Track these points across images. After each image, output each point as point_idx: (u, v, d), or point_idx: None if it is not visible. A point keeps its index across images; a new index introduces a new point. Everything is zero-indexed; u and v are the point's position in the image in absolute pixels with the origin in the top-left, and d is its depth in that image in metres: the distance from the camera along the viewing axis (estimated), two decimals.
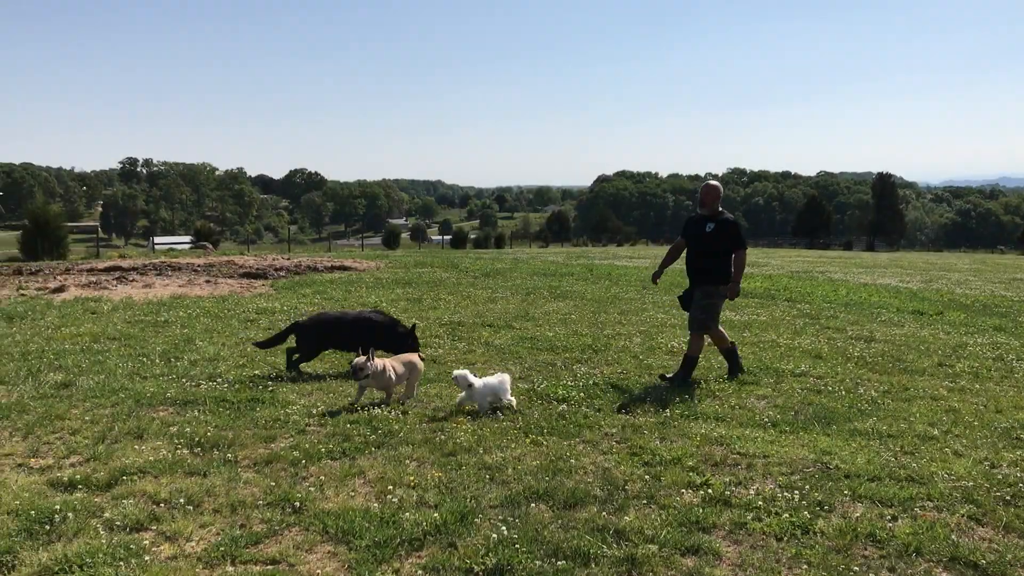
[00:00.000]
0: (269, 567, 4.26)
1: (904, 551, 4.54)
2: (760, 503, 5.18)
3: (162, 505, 5.00)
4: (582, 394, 8.01)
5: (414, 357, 7.97)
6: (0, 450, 6.06)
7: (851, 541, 4.65)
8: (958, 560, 4.45)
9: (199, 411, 7.17)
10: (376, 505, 5.05)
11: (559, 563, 4.30)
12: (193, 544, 4.52)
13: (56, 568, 4.14)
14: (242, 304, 14.51)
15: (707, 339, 9.13)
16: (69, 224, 41.58)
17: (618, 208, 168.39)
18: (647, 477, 5.66)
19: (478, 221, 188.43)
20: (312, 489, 5.32)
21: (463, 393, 7.32)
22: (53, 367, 8.83)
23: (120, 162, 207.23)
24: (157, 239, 69.16)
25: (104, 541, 4.47)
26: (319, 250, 50.08)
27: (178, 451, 6.03)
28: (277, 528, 4.72)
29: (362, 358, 7.38)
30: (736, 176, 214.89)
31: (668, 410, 7.48)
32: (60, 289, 16.31)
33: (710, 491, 5.37)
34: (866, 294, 19.09)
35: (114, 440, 6.30)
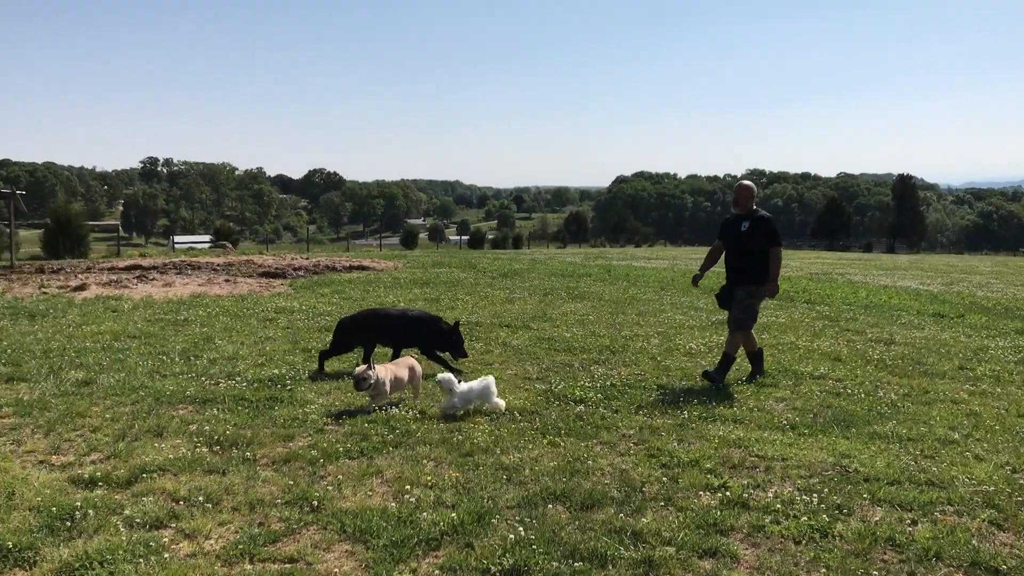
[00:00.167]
0: (287, 565, 4.28)
1: (924, 556, 4.51)
2: (778, 506, 5.15)
3: (181, 503, 5.04)
4: (600, 395, 8.00)
5: (411, 360, 7.90)
6: (22, 447, 6.13)
7: (870, 545, 4.62)
8: (979, 565, 4.41)
9: (218, 409, 7.22)
10: (394, 505, 5.06)
11: (576, 564, 4.30)
12: (212, 542, 4.54)
13: (77, 564, 4.18)
14: (261, 303, 14.59)
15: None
16: (90, 223, 41.91)
17: (636, 209, 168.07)
18: (665, 479, 5.64)
19: (496, 221, 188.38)
20: (330, 488, 5.34)
21: (446, 397, 7.22)
22: (74, 365, 8.91)
23: (141, 161, 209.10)
24: (177, 238, 69.61)
25: (124, 538, 4.50)
26: (338, 250, 50.27)
27: (197, 449, 6.07)
28: (295, 527, 4.75)
29: (362, 367, 7.29)
30: (755, 177, 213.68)
31: (686, 412, 7.45)
32: (81, 287, 16.47)
33: (728, 493, 5.35)
34: (886, 296, 18.97)
35: (134, 438, 6.36)
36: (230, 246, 44.23)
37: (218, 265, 23.01)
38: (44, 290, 16.12)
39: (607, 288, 19.13)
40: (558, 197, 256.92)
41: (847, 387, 8.73)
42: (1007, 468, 6.05)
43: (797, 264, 32.99)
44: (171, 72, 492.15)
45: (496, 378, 8.72)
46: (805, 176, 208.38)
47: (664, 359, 10.08)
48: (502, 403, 7.37)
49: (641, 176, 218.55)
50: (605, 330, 12.31)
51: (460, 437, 6.47)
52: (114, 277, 18.72)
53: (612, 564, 4.33)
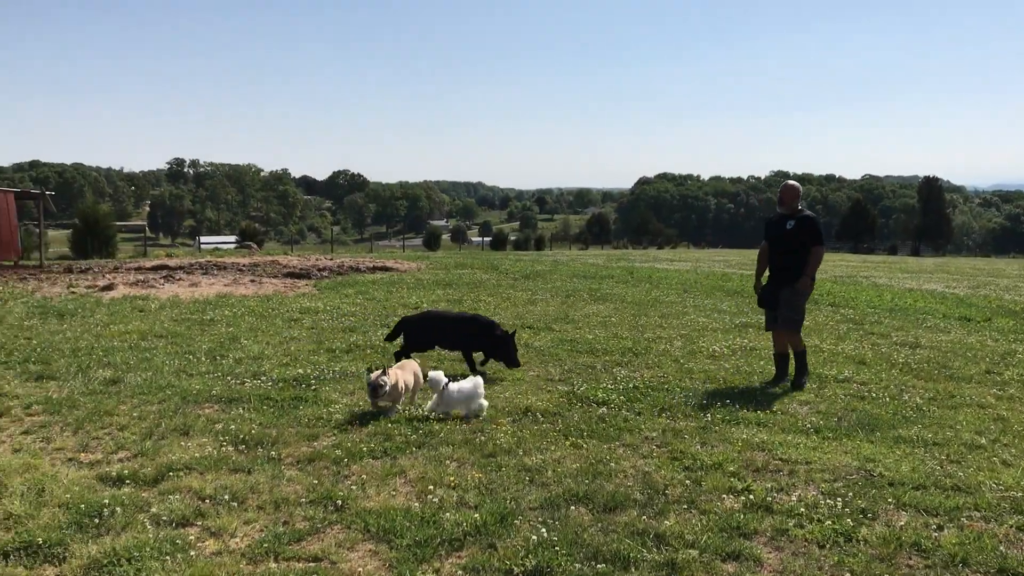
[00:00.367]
0: (311, 564, 4.31)
1: (950, 561, 4.47)
2: (802, 510, 5.13)
3: (207, 501, 5.09)
4: (622, 397, 7.99)
5: (415, 364, 7.84)
6: (51, 444, 6.22)
7: (895, 550, 4.59)
8: (1006, 572, 4.37)
9: (244, 409, 7.28)
10: (417, 505, 5.09)
11: (599, 566, 4.30)
12: (237, 540, 4.59)
13: (105, 561, 4.24)
14: (286, 303, 14.69)
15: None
16: (118, 223, 42.35)
17: (659, 210, 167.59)
18: (688, 482, 5.63)
19: (518, 223, 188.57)
20: (354, 488, 5.37)
21: (435, 396, 7.18)
22: (102, 364, 9.02)
23: (168, 163, 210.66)
24: (203, 239, 70.18)
25: (151, 535, 4.56)
26: (361, 251, 50.54)
27: (223, 448, 6.13)
28: (319, 526, 4.78)
29: (376, 373, 7.09)
30: (779, 179, 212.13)
31: (709, 415, 7.43)
32: (109, 287, 16.66)
33: (751, 497, 5.33)
34: (911, 299, 18.79)
35: (161, 436, 6.43)
36: (255, 247, 44.58)
37: (244, 265, 23.21)
38: (72, 290, 16.32)
39: (629, 290, 19.09)
40: (580, 198, 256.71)
41: (872, 391, 8.66)
42: None
43: (821, 267, 32.72)
44: (198, 74, 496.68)
45: (519, 379, 8.77)
46: (830, 178, 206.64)
47: (687, 361, 10.05)
48: (485, 404, 7.27)
49: (664, 177, 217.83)
50: (628, 332, 12.29)
51: (483, 438, 6.49)
52: (141, 277, 18.92)
53: (635, 566, 4.33)
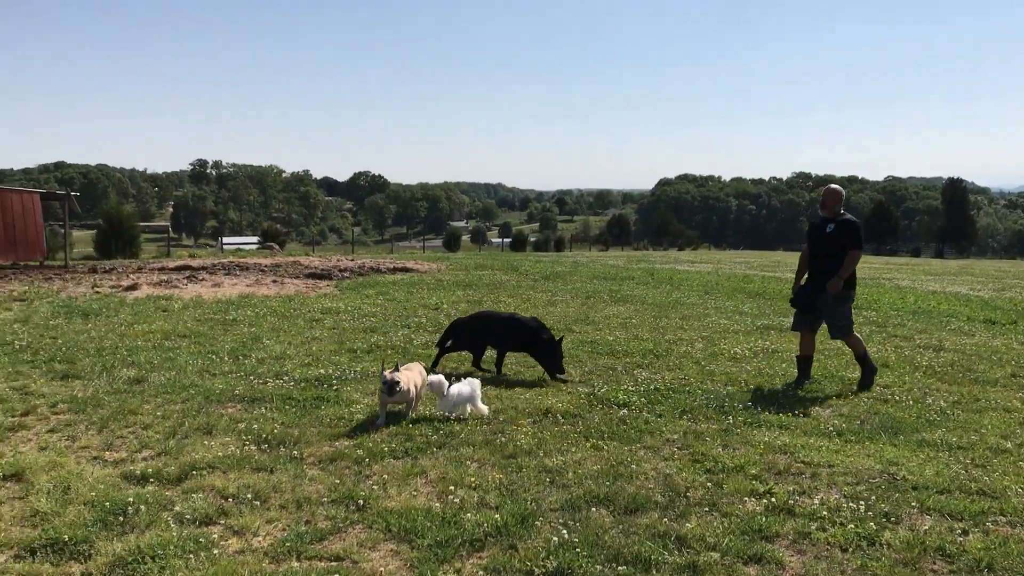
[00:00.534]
0: (333, 563, 4.33)
1: (975, 567, 4.43)
2: (824, 513, 5.10)
3: (230, 500, 5.13)
4: (643, 399, 7.97)
5: (420, 366, 7.73)
6: (77, 443, 6.28)
7: (919, 554, 4.55)
8: None
9: (266, 408, 7.33)
10: (438, 505, 5.10)
11: (620, 568, 4.30)
12: (260, 539, 4.62)
13: (130, 558, 4.28)
14: (307, 304, 14.77)
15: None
16: (141, 224, 42.75)
17: (680, 212, 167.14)
18: (709, 484, 5.61)
19: (538, 224, 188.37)
20: (375, 487, 5.40)
21: (440, 399, 7.15)
22: (126, 363, 9.11)
23: (190, 164, 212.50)
24: (225, 239, 70.77)
25: (175, 533, 4.60)
26: (382, 252, 50.70)
27: (246, 447, 6.17)
28: (341, 525, 4.81)
29: (393, 372, 6.94)
30: (801, 180, 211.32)
31: (731, 417, 7.40)
32: (133, 287, 16.81)
33: (773, 500, 5.30)
34: (935, 302, 18.61)
35: (184, 435, 6.48)
36: (277, 247, 44.83)
37: (266, 266, 23.35)
38: (97, 289, 16.49)
39: (650, 292, 19.04)
40: (600, 200, 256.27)
41: (895, 394, 8.60)
42: None
43: None
44: (222, 76, 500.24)
45: (539, 381, 8.77)
46: (852, 179, 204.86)
47: (708, 364, 10.01)
48: (485, 409, 7.25)
49: (685, 179, 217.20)
50: (648, 334, 12.26)
51: (503, 439, 6.50)
52: (164, 277, 19.08)
53: (656, 568, 4.32)
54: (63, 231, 28.22)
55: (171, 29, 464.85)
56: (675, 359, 10.26)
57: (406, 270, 23.23)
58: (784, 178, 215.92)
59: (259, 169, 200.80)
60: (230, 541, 4.58)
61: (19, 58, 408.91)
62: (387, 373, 6.92)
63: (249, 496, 5.17)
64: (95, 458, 5.95)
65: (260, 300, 15.23)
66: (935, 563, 4.49)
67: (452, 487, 5.40)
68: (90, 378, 8.37)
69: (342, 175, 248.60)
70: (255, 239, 70.13)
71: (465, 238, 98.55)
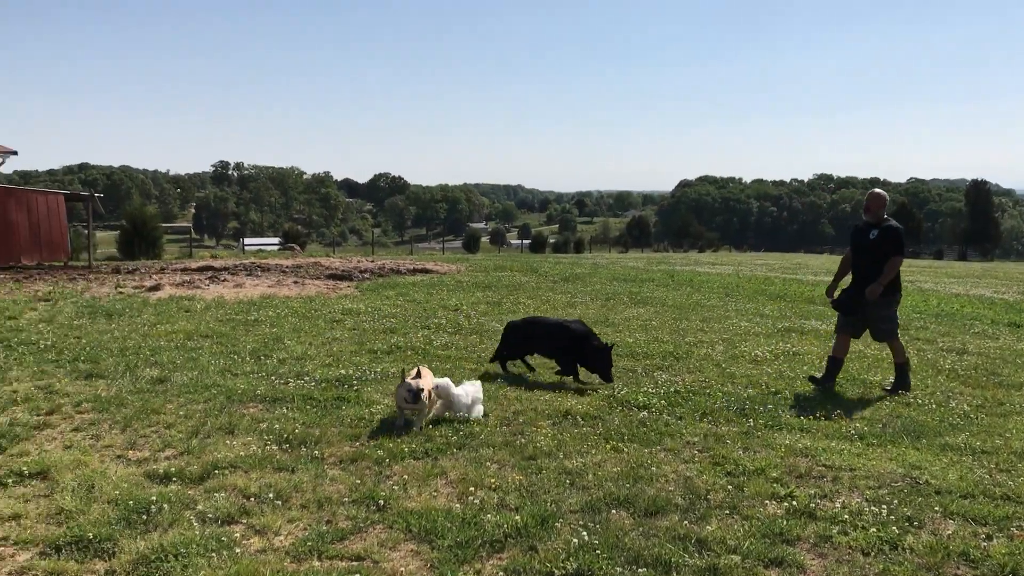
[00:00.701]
0: (354, 563, 4.36)
1: (1000, 572, 4.39)
2: (846, 516, 5.07)
3: (252, 499, 5.17)
4: (663, 402, 7.95)
5: (430, 373, 7.41)
6: (100, 442, 6.35)
7: (942, 559, 4.51)
8: None
9: (287, 408, 7.37)
10: (458, 506, 5.12)
11: (640, 570, 4.30)
12: (281, 538, 4.65)
13: (153, 557, 4.32)
14: (328, 304, 14.83)
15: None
16: (164, 225, 43.04)
17: (700, 213, 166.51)
18: (730, 487, 5.59)
19: (557, 226, 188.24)
20: (396, 488, 5.42)
21: (440, 403, 7.13)
22: (149, 363, 9.19)
23: (212, 165, 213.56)
24: (247, 240, 71.20)
25: (197, 532, 4.64)
26: (401, 253, 50.87)
27: (267, 447, 6.21)
28: (362, 525, 4.83)
29: (415, 379, 6.77)
30: (822, 182, 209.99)
31: (751, 420, 7.37)
32: (156, 288, 16.94)
33: (794, 503, 5.28)
34: (958, 305, 18.43)
35: (207, 435, 6.53)
36: (298, 248, 45.12)
37: (287, 267, 23.48)
38: (120, 290, 16.63)
39: (670, 293, 18.98)
40: (620, 201, 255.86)
41: (917, 397, 8.53)
42: None
43: None
44: (244, 78, 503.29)
45: (558, 382, 8.78)
46: (874, 181, 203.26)
47: (729, 366, 9.98)
48: (481, 409, 7.26)
49: (705, 180, 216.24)
50: (668, 336, 12.22)
51: (523, 440, 6.51)
52: (187, 278, 19.22)
53: (676, 571, 4.31)
54: (87, 232, 28.48)
55: (196, 31, 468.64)
56: (695, 361, 10.23)
57: (426, 271, 23.28)
58: (805, 180, 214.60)
59: (280, 171, 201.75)
60: (252, 540, 4.62)
61: (44, 61, 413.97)
62: (410, 380, 6.76)
63: (271, 496, 5.20)
64: (119, 457, 6.01)
65: (281, 301, 15.31)
66: (958, 568, 4.45)
67: (472, 488, 5.42)
68: (113, 378, 8.45)
69: (362, 177, 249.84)
70: (276, 240, 70.61)
71: (485, 239, 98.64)
